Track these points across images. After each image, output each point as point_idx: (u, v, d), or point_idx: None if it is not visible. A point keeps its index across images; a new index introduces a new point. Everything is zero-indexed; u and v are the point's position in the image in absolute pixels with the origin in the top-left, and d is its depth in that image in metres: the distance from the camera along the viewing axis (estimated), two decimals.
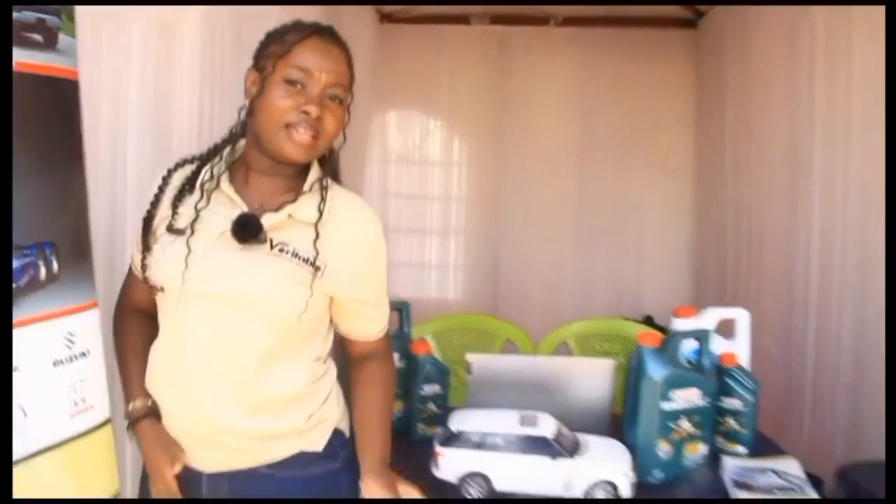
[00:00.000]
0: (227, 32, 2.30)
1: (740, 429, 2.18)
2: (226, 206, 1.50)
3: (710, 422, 2.14)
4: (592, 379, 2.31)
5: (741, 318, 2.38)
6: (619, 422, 2.21)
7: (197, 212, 1.49)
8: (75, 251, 1.28)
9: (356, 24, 4.30)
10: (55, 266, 1.23)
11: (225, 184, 1.52)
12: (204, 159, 1.56)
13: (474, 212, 5.12)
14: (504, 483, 1.95)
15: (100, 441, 1.32)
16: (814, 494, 1.91)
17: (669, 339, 2.08)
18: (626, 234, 4.93)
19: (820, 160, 3.14)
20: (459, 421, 2.03)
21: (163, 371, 1.55)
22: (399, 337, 2.37)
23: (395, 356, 1.84)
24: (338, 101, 1.49)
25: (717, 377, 2.18)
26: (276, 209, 1.49)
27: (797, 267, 3.35)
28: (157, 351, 1.56)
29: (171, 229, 1.49)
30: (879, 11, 2.52)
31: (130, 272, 1.62)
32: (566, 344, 3.35)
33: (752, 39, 3.86)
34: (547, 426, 2.00)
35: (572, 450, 1.97)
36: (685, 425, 2.04)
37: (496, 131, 4.97)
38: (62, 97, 1.25)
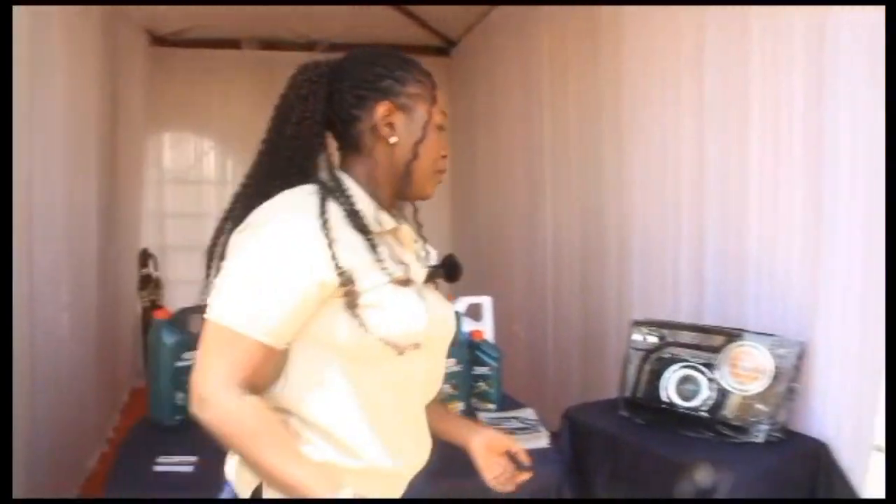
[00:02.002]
0: None
1: (489, 389, 2.61)
2: (396, 244, 1.41)
3: (467, 385, 2.55)
4: None
5: (486, 303, 2.89)
6: None
7: (397, 257, 1.37)
8: None
9: (129, 46, 4.43)
10: None
11: (392, 222, 1.39)
12: (328, 192, 1.32)
13: None
14: None
15: None
16: (545, 431, 2.35)
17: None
18: None
19: (550, 164, 3.74)
20: None
21: (396, 429, 1.38)
22: None
23: None
24: None
25: (469, 350, 2.60)
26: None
27: (537, 260, 3.94)
28: (385, 408, 1.36)
29: (398, 281, 1.31)
30: (589, 38, 3.09)
31: (256, 346, 1.24)
32: None
33: (496, 64, 4.47)
34: None
35: None
36: None
37: None
38: None
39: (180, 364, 2.38)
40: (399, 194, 1.42)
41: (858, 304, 2.15)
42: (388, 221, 1.37)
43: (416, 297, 1.32)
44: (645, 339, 2.50)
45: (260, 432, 1.22)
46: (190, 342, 2.42)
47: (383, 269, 1.29)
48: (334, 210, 1.28)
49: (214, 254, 1.36)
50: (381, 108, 1.36)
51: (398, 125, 1.37)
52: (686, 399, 2.36)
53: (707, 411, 2.31)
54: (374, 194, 1.38)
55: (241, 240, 1.28)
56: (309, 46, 5.16)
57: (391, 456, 1.34)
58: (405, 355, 1.29)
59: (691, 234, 2.77)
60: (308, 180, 1.34)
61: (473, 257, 4.92)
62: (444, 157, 1.43)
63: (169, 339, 2.39)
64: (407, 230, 1.42)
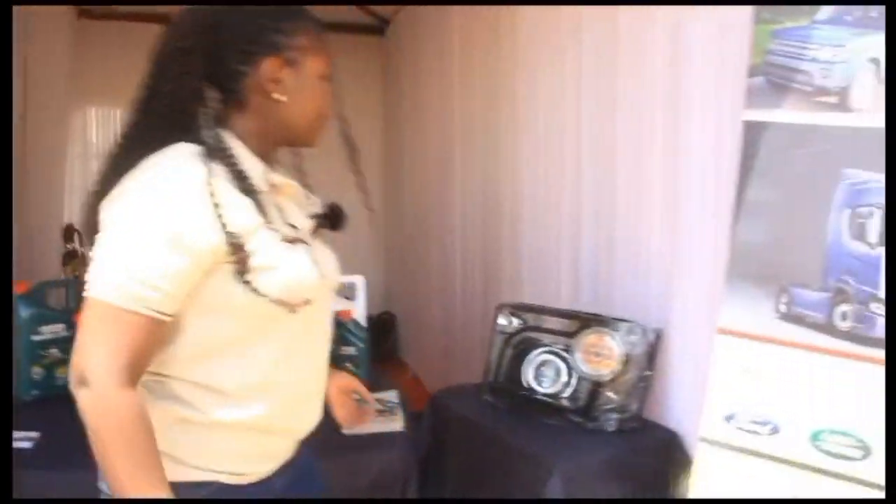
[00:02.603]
0: None
1: (355, 370, 2.58)
2: (285, 200, 1.38)
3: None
4: None
5: (359, 282, 2.86)
6: None
7: (280, 211, 1.33)
8: None
9: (53, 19, 4.36)
10: None
11: (281, 179, 1.36)
12: (211, 153, 1.25)
13: None
14: None
15: None
16: (401, 414, 2.33)
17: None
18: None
19: (459, 150, 3.72)
20: None
21: (295, 385, 1.37)
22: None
23: None
24: None
25: (336, 330, 2.57)
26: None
27: (447, 242, 3.93)
28: (276, 365, 1.33)
29: (288, 240, 1.28)
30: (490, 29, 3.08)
31: (141, 321, 1.17)
32: None
33: (418, 47, 4.46)
34: None
35: None
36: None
37: None
38: None
39: (36, 338, 2.37)
40: (284, 143, 1.39)
41: (706, 295, 2.13)
42: (276, 179, 1.33)
43: (306, 255, 1.29)
44: (510, 322, 2.49)
45: (128, 437, 1.14)
46: (47, 316, 2.40)
47: (272, 230, 1.25)
48: (218, 171, 1.22)
49: (90, 226, 1.26)
50: (268, 64, 1.30)
51: (286, 81, 1.31)
52: (544, 385, 2.35)
53: (565, 397, 2.30)
54: (260, 151, 1.33)
55: (118, 208, 1.20)
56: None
57: (287, 414, 1.34)
58: (298, 312, 1.28)
59: (571, 220, 2.75)
60: (188, 139, 1.25)
61: (401, 238, 4.94)
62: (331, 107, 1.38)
63: (25, 312, 2.36)
64: (293, 185, 1.38)
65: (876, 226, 1.62)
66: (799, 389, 1.70)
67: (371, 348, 2.55)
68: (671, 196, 2.26)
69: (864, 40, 1.64)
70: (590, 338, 2.28)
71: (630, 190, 2.43)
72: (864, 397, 1.62)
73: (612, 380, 2.21)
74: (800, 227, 1.70)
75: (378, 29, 5.44)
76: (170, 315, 1.19)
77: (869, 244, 1.63)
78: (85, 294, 1.17)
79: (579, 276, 2.71)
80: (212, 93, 1.28)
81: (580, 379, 2.27)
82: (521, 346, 2.43)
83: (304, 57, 1.33)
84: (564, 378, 2.31)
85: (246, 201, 1.23)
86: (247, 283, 1.21)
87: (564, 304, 2.63)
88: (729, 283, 1.78)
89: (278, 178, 1.34)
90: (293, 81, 1.32)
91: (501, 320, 2.51)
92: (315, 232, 1.41)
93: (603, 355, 2.24)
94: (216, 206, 1.18)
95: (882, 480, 1.53)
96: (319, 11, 1.38)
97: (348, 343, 2.60)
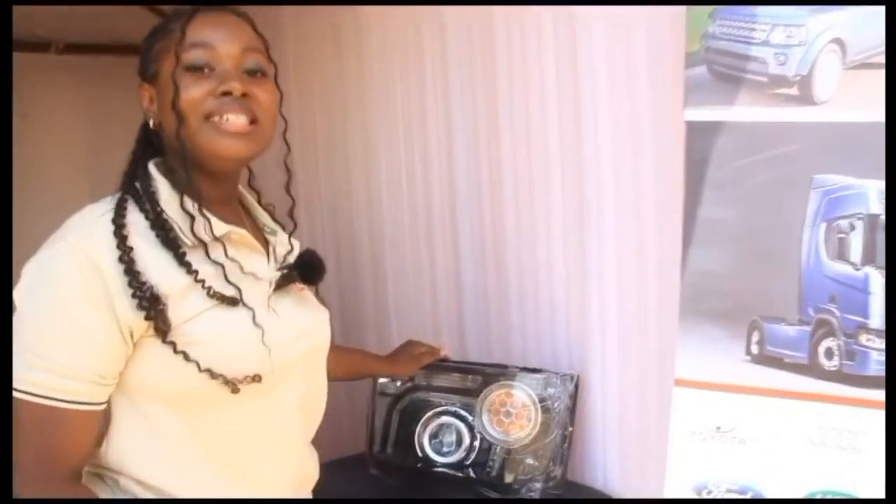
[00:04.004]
0: None
1: None
2: (242, 248, 1.20)
3: None
4: None
5: None
6: None
7: (222, 266, 1.13)
8: None
9: None
10: None
11: (222, 226, 1.16)
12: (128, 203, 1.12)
13: None
14: None
15: None
16: None
17: None
18: None
19: (301, 175, 3.21)
20: None
21: (261, 470, 1.21)
22: None
23: None
24: (261, 74, 1.19)
25: None
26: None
27: None
28: (243, 452, 1.18)
29: (217, 297, 1.09)
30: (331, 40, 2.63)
31: (67, 414, 1.04)
32: None
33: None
34: None
35: None
36: None
37: None
38: None
39: None
40: (202, 167, 1.16)
41: (636, 328, 1.81)
42: (217, 227, 1.13)
43: (245, 319, 1.11)
44: (393, 381, 2.05)
45: None
46: None
47: (202, 287, 1.08)
48: (136, 222, 1.07)
49: None
50: (142, 95, 1.19)
51: (156, 100, 1.16)
52: (443, 454, 1.94)
53: (471, 467, 1.90)
54: (200, 195, 1.13)
55: (19, 291, 1.04)
56: (44, 47, 4.43)
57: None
58: (246, 391, 1.09)
59: (445, 252, 2.34)
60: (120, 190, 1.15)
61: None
62: (226, 93, 1.13)
63: None
64: (241, 233, 1.18)
65: (859, 241, 1.34)
66: (783, 446, 1.39)
67: None
68: (576, 218, 1.92)
69: (825, 17, 1.35)
70: (497, 395, 1.90)
71: (522, 213, 2.07)
72: (863, 449, 1.34)
73: (530, 443, 1.84)
74: (767, 248, 1.40)
75: None
76: (101, 399, 1.06)
77: (852, 264, 1.35)
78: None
79: (463, 322, 2.30)
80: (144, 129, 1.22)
81: (490, 445, 1.89)
82: (410, 410, 2.01)
83: (162, 60, 1.15)
84: (466, 442, 1.91)
85: (169, 257, 1.07)
86: (175, 355, 1.04)
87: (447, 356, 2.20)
88: (683, 322, 1.45)
89: (217, 224, 1.14)
90: (157, 98, 1.17)
91: (381, 380, 2.07)
92: (283, 287, 1.22)
93: (514, 415, 1.87)
94: (128, 268, 1.02)
95: None
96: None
97: None
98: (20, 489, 1.04)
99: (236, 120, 1.13)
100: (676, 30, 1.48)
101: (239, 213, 1.27)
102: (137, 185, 1.13)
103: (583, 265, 1.92)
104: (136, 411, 1.09)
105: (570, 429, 1.84)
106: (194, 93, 1.12)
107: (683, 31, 1.45)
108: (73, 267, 1.01)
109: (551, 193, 1.97)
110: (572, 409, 1.84)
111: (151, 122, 1.17)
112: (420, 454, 1.96)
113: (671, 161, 1.57)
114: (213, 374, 1.06)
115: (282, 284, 1.23)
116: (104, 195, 1.15)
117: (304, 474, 1.31)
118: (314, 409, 1.31)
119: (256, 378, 1.10)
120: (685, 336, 1.45)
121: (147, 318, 1.03)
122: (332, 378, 1.36)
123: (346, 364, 1.72)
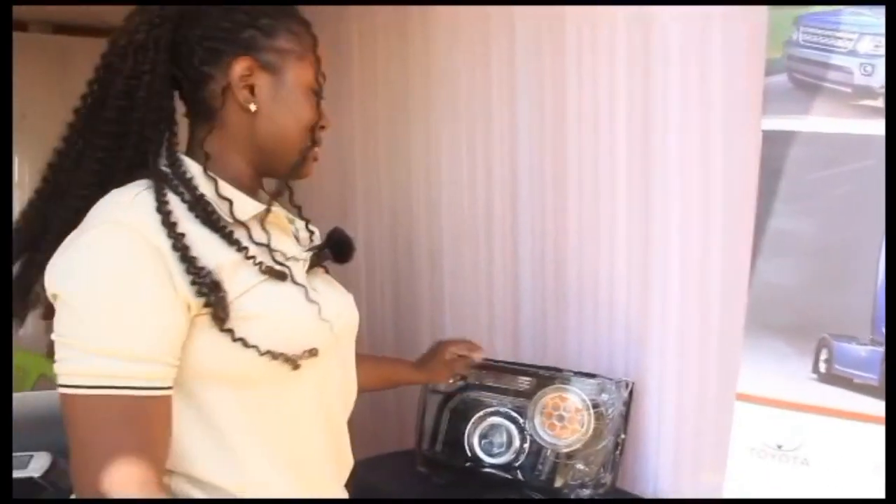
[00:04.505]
0: None
1: None
2: (273, 230, 1.17)
3: None
4: None
5: None
6: None
7: (267, 246, 1.12)
8: None
9: None
10: None
11: (258, 206, 1.16)
12: (162, 180, 1.07)
13: None
14: None
15: None
16: None
17: None
18: None
19: (361, 164, 3.22)
20: None
21: (312, 455, 1.19)
22: None
23: None
24: None
25: None
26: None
27: (349, 273, 3.41)
28: (296, 435, 1.16)
29: (268, 271, 1.07)
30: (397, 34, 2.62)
31: (150, 404, 0.99)
32: None
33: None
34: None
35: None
36: None
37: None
38: None
39: None
40: (266, 171, 1.19)
41: (698, 337, 1.77)
42: (251, 206, 1.12)
43: (298, 292, 1.10)
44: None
45: None
46: None
47: (253, 263, 1.06)
48: (175, 204, 1.03)
49: (29, 298, 1.08)
50: (239, 66, 1.11)
51: (260, 88, 1.12)
52: (493, 455, 1.93)
53: (519, 469, 1.88)
54: (234, 176, 1.13)
55: (71, 284, 0.98)
56: (107, 31, 4.52)
57: (306, 488, 1.14)
58: (304, 367, 1.07)
59: (504, 251, 2.32)
60: (137, 172, 1.07)
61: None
62: (323, 128, 1.18)
63: None
64: (279, 212, 1.18)
65: None
66: (849, 470, 1.34)
67: None
68: (641, 223, 1.89)
69: None
70: (550, 398, 1.87)
71: (584, 214, 2.04)
72: None
73: (581, 449, 1.82)
74: (840, 264, 1.35)
75: None
76: (170, 379, 1.00)
77: None
78: (62, 391, 0.97)
79: (519, 322, 2.28)
80: (169, 102, 1.10)
81: (540, 448, 1.87)
82: (461, 409, 2.00)
83: (286, 62, 1.13)
84: (518, 446, 1.90)
85: (214, 236, 1.04)
86: (229, 333, 1.01)
87: (501, 357, 2.18)
88: (748, 335, 1.42)
89: (252, 204, 1.13)
90: (270, 90, 1.13)
91: None
92: (315, 267, 1.21)
93: (567, 419, 1.84)
94: (176, 244, 0.99)
95: None
96: None
97: None
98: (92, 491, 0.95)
99: (318, 153, 1.21)
100: (756, 35, 1.44)
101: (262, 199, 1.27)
102: (165, 169, 1.08)
103: (645, 270, 1.89)
104: (188, 397, 1.05)
105: (623, 436, 1.81)
106: (311, 119, 1.16)
107: (763, 37, 1.41)
108: (131, 246, 0.98)
109: (616, 198, 1.94)
110: (626, 416, 1.81)
111: (244, 100, 1.12)
112: (469, 454, 1.95)
113: (743, 169, 1.53)
114: (273, 355, 1.04)
115: (315, 263, 1.22)
116: None
117: (346, 456, 1.30)
118: (350, 389, 1.29)
119: (314, 352, 1.09)
120: (749, 349, 1.41)
121: (206, 304, 1.00)
122: (364, 388, 1.34)
123: (377, 373, 1.69)
